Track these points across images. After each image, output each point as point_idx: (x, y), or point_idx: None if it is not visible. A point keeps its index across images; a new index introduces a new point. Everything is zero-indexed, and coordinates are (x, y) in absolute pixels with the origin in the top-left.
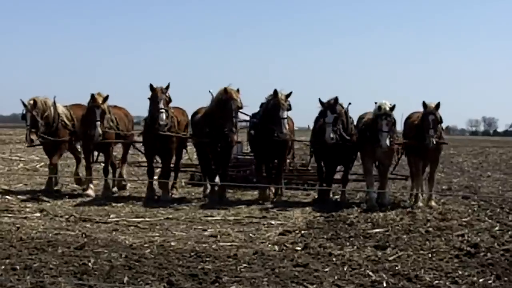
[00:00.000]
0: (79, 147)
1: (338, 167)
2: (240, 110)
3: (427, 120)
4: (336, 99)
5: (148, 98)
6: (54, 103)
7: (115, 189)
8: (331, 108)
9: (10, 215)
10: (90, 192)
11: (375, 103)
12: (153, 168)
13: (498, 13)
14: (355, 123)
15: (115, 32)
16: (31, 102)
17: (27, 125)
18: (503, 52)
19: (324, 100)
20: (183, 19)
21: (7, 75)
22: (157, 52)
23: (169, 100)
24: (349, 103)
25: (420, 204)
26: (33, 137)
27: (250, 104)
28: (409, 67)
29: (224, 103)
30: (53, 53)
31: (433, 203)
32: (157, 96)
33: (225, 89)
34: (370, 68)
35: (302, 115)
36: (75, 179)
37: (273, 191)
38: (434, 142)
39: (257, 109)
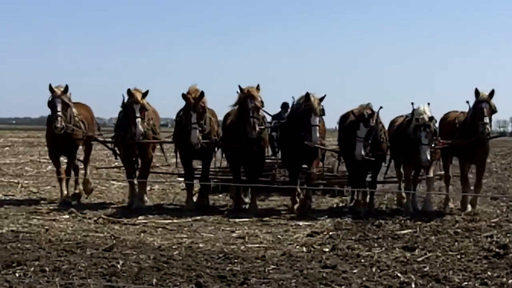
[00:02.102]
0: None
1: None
2: (263, 109)
3: (480, 108)
4: (371, 112)
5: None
6: (70, 100)
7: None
8: (364, 121)
9: (39, 217)
10: (141, 204)
11: (412, 103)
12: (193, 173)
13: None
14: (386, 127)
15: (146, 33)
16: (61, 88)
17: (58, 111)
18: None
19: (355, 104)
20: (216, 21)
21: (36, 77)
22: (184, 53)
23: (203, 111)
24: (380, 107)
25: (469, 209)
26: (64, 123)
27: (272, 105)
28: (437, 68)
29: (241, 102)
30: (80, 56)
31: (469, 208)
32: (190, 108)
33: (239, 87)
34: (395, 69)
35: (329, 116)
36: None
37: (302, 198)
38: (489, 130)
39: (278, 110)
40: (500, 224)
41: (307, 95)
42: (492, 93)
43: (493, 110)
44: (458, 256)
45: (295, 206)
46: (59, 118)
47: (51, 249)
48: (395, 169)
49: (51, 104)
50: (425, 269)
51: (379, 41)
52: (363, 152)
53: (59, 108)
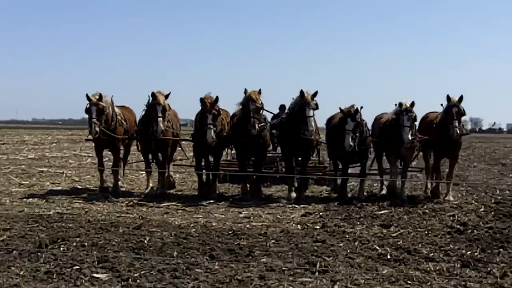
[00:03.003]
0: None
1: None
2: (266, 109)
3: (450, 112)
4: (356, 109)
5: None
6: (112, 102)
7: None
8: (351, 116)
9: (80, 201)
10: (152, 191)
11: (395, 104)
12: (202, 166)
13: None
14: (369, 125)
15: (169, 33)
16: (97, 96)
17: (92, 118)
18: (488, 61)
19: (343, 107)
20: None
21: (78, 83)
22: (204, 53)
23: (217, 113)
24: (361, 107)
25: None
26: (98, 129)
27: (275, 106)
28: (407, 73)
29: (244, 104)
30: (120, 59)
31: (451, 197)
32: (206, 111)
33: (245, 89)
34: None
35: (319, 115)
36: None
37: (297, 186)
38: (458, 132)
39: (276, 111)
40: (460, 205)
41: (301, 92)
42: (461, 98)
43: (462, 113)
44: (426, 232)
45: (292, 194)
46: (93, 125)
47: (90, 228)
48: (377, 162)
49: (88, 111)
50: (399, 243)
51: (382, 47)
52: (351, 143)
53: (94, 115)
